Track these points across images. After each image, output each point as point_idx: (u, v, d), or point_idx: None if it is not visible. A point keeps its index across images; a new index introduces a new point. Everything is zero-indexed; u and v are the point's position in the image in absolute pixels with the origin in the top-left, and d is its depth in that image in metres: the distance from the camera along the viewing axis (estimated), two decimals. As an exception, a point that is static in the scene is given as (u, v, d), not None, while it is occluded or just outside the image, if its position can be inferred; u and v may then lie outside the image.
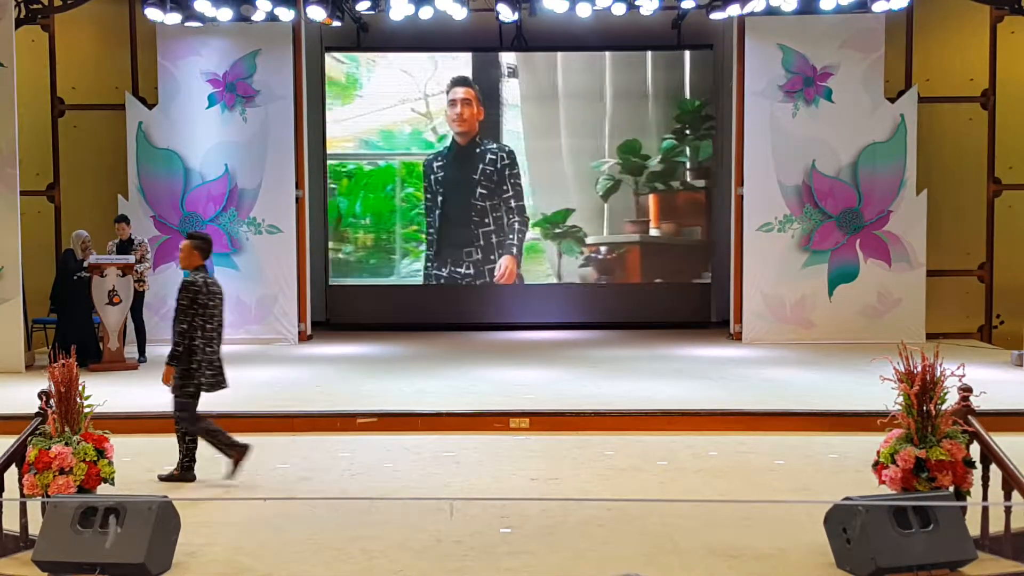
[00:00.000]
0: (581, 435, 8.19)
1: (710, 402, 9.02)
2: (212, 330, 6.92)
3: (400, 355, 12.14)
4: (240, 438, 8.15)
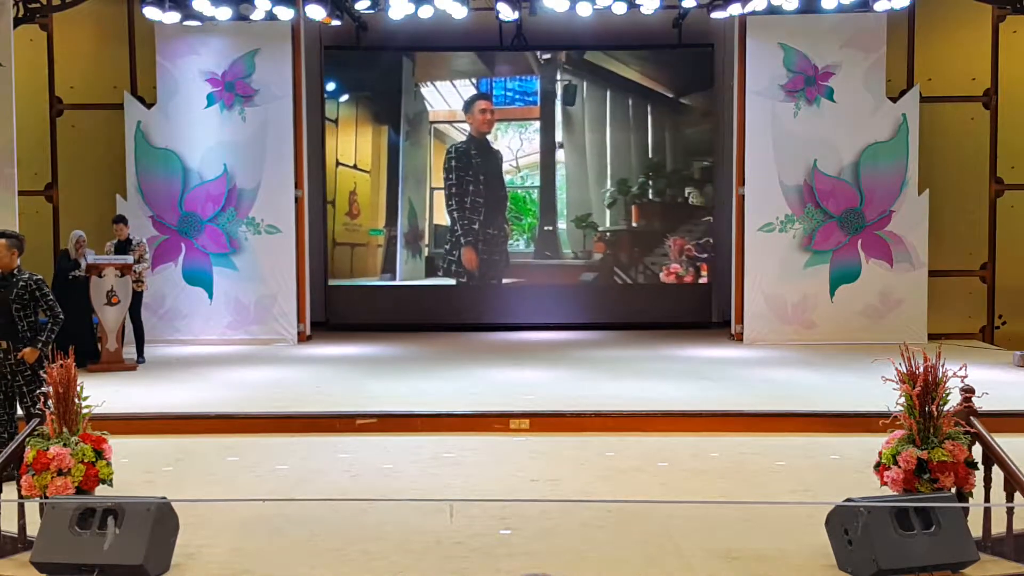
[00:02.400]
0: (582, 436, 8.16)
1: (711, 403, 9.00)
2: None
3: (400, 355, 12.12)
4: (238, 439, 8.15)
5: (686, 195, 13.63)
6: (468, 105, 13.83)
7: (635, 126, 13.36)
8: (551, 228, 13.47)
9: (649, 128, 13.15)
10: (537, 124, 13.54)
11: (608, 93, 13.35)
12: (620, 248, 13.42)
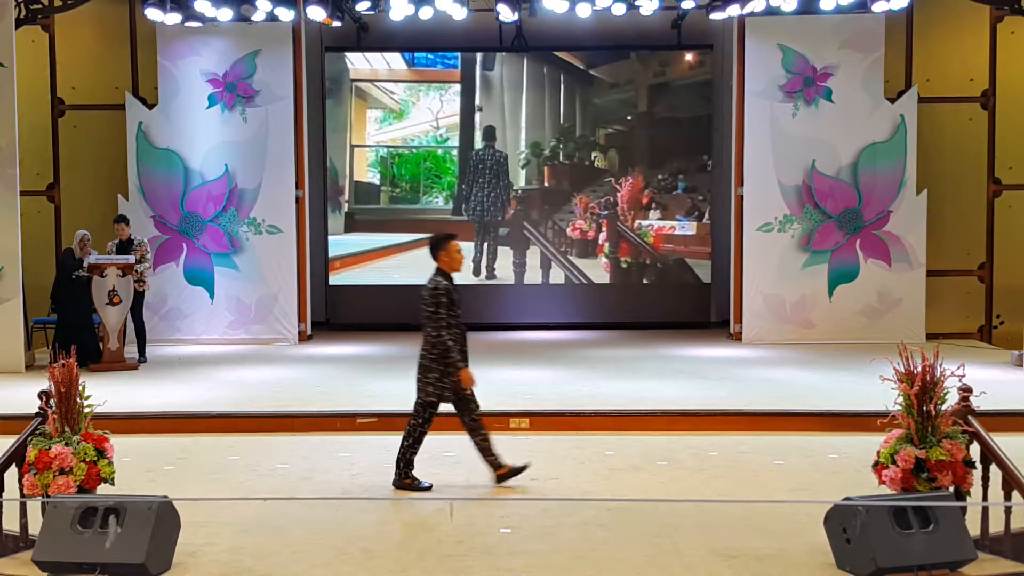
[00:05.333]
0: (581, 435, 8.19)
1: (710, 402, 9.02)
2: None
3: (400, 355, 12.11)
4: (239, 438, 8.18)
5: (592, 158, 14.48)
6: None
7: (549, 93, 14.22)
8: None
9: (561, 96, 14.17)
10: (457, 87, 14.28)
11: (525, 61, 14.15)
12: (531, 206, 14.34)
